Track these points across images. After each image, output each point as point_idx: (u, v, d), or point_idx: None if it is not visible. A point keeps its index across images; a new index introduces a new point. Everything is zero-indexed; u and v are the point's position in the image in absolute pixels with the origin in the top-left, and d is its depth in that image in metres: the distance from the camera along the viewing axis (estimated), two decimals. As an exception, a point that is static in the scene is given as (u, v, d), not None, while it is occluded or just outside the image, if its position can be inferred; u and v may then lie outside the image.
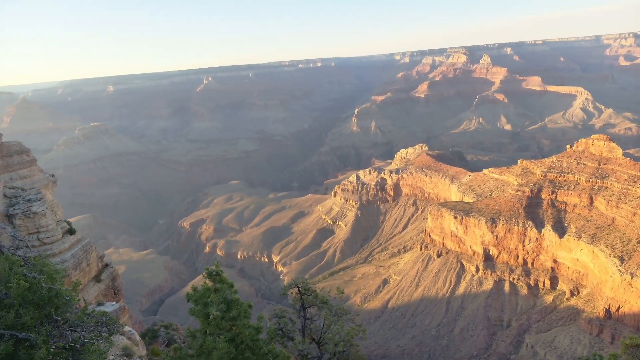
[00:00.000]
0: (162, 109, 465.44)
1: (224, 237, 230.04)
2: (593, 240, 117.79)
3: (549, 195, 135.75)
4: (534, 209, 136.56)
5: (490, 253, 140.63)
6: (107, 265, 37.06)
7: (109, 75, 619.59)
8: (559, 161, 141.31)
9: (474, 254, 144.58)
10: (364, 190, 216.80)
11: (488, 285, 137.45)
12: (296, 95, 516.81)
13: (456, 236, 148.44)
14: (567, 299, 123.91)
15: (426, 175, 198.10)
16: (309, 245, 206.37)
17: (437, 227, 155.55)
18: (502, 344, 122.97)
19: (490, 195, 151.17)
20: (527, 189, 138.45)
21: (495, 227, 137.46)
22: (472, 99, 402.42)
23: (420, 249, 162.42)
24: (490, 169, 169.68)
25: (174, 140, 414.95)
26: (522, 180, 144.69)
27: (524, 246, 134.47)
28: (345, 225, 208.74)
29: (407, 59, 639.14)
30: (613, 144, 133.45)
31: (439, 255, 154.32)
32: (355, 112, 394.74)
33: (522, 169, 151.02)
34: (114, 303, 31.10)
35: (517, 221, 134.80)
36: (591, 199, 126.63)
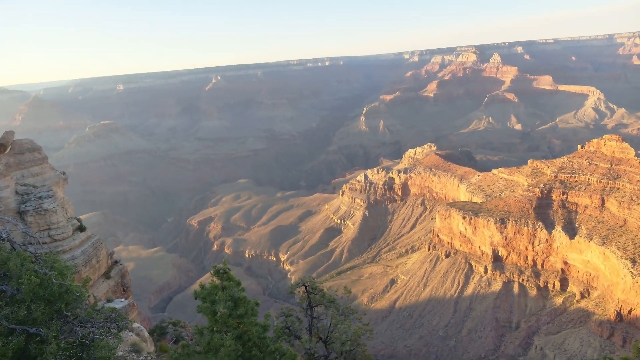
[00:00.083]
0: (171, 108, 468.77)
1: (232, 236, 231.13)
2: (604, 242, 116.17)
3: (559, 196, 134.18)
4: (544, 209, 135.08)
5: (499, 254, 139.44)
6: (116, 262, 37.44)
7: (119, 74, 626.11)
8: (570, 161, 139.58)
9: (482, 255, 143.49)
10: (372, 189, 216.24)
11: (497, 286, 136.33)
12: (304, 94, 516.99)
13: (465, 236, 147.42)
14: (577, 301, 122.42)
15: (435, 175, 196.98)
16: (316, 245, 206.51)
17: (445, 227, 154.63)
18: (510, 346, 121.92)
19: (500, 195, 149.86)
20: (537, 190, 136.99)
21: (505, 227, 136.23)
22: (482, 98, 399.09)
23: (428, 249, 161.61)
24: (499, 169, 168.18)
25: (182, 138, 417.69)
26: (532, 180, 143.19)
27: (533, 247, 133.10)
28: (353, 224, 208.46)
29: (416, 58, 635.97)
30: (625, 145, 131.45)
31: (447, 256, 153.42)
32: (364, 111, 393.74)
33: (533, 169, 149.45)
34: (123, 300, 31.40)
35: (527, 222, 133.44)
36: (603, 200, 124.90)
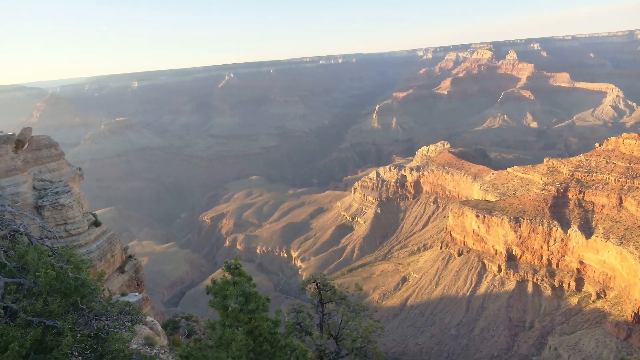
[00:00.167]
0: (185, 105, 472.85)
1: (244, 232, 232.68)
2: (622, 242, 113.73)
3: (576, 194, 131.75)
4: (560, 208, 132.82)
5: (513, 253, 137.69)
6: (130, 257, 37.98)
7: (134, 71, 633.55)
8: (587, 160, 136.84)
9: (496, 254, 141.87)
10: (384, 187, 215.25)
11: (510, 285, 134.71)
12: (316, 92, 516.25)
13: (478, 235, 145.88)
14: (593, 302, 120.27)
15: (448, 173, 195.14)
16: (327, 242, 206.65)
17: (458, 226, 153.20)
18: (524, 346, 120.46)
19: (514, 194, 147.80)
20: (553, 188, 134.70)
21: (519, 226, 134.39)
22: (497, 95, 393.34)
23: (441, 247, 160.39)
24: (514, 167, 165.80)
25: (196, 135, 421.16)
26: (548, 179, 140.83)
27: (548, 246, 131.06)
28: (365, 222, 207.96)
29: (429, 55, 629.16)
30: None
31: (459, 254, 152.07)
32: (376, 108, 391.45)
33: (548, 167, 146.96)
34: (137, 294, 31.85)
35: (542, 221, 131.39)
36: (620, 199, 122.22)
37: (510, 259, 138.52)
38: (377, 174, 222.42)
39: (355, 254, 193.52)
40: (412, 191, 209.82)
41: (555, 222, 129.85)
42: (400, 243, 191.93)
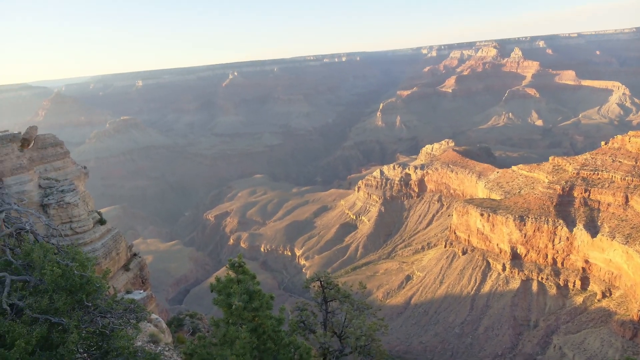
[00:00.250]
0: (189, 104, 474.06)
1: (248, 230, 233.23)
2: (628, 241, 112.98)
3: (581, 193, 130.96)
4: (565, 207, 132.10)
5: (518, 251, 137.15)
6: (135, 255, 38.20)
7: (138, 70, 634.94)
8: (593, 158, 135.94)
9: (500, 252, 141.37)
10: (388, 185, 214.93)
11: (515, 284, 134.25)
12: (320, 90, 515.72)
13: (482, 234, 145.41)
14: (599, 301, 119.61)
15: (452, 172, 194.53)
16: (331, 240, 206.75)
17: (462, 224, 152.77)
18: (528, 344, 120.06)
19: (519, 192, 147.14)
20: (558, 187, 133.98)
21: (524, 225, 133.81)
22: (502, 93, 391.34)
23: (445, 246, 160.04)
24: (519, 165, 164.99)
25: (200, 134, 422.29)
26: (553, 177, 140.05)
27: (553, 245, 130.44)
28: (369, 220, 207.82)
29: (434, 53, 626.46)
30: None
31: (464, 253, 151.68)
32: (380, 106, 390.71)
33: (554, 166, 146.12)
34: (141, 291, 32.04)
35: (547, 219, 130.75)
36: (626, 197, 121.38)
37: (515, 257, 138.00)
38: (381, 173, 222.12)
39: (359, 253, 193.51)
40: (416, 189, 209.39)
41: (561, 221, 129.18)
42: (404, 241, 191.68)
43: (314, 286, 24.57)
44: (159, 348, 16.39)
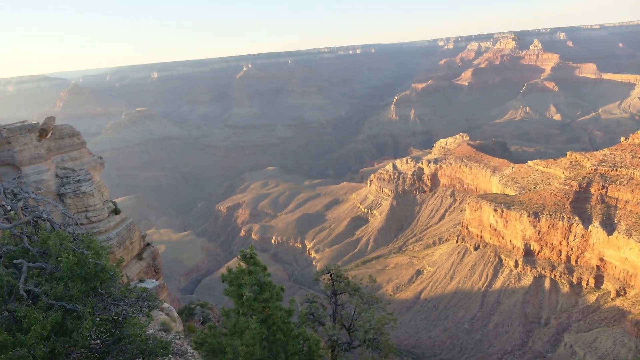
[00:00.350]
0: (203, 95, 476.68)
1: (259, 222, 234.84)
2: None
3: (598, 190, 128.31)
4: (581, 204, 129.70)
5: (531, 248, 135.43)
6: (148, 244, 38.85)
7: (153, 62, 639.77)
8: (612, 154, 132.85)
9: (513, 249, 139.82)
10: (400, 179, 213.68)
11: (527, 281, 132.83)
12: (334, 82, 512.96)
13: (495, 229, 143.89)
14: (612, 299, 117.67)
15: (466, 166, 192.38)
16: (342, 233, 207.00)
17: (475, 220, 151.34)
18: (538, 342, 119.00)
19: (535, 188, 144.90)
20: (575, 183, 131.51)
21: (538, 221, 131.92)
22: (520, 87, 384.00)
23: (457, 241, 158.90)
24: (535, 160, 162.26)
25: (214, 125, 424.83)
26: (570, 173, 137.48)
27: (568, 242, 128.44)
28: (380, 214, 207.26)
29: (450, 45, 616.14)
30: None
31: (476, 248, 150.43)
32: (394, 99, 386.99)
33: (571, 161, 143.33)
34: (154, 280, 32.62)
35: (563, 216, 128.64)
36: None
37: (528, 254, 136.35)
38: (394, 166, 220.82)
39: (369, 246, 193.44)
40: (429, 184, 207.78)
41: (576, 218, 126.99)
42: (416, 236, 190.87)
43: (324, 279, 24.66)
44: (170, 336, 16.70)
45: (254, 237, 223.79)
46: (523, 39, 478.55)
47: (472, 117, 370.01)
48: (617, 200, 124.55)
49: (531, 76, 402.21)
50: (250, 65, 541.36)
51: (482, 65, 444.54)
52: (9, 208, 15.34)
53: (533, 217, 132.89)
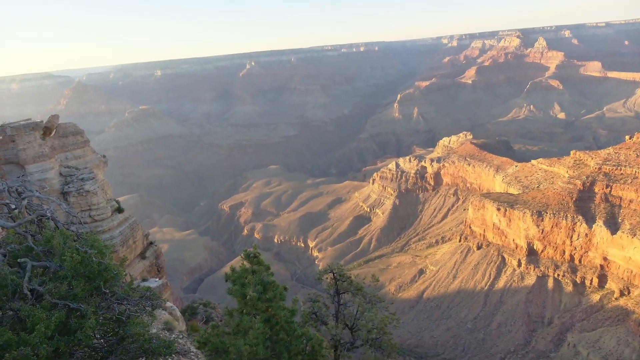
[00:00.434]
0: (206, 93, 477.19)
1: (262, 221, 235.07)
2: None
3: (602, 189, 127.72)
4: (585, 203, 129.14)
5: (535, 247, 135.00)
6: (151, 243, 38.93)
7: (157, 60, 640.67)
8: (616, 153, 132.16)
9: (516, 248, 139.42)
10: (403, 178, 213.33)
11: (530, 280, 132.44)
12: (337, 81, 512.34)
13: (498, 228, 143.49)
14: (616, 299, 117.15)
15: (469, 165, 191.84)
16: (345, 232, 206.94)
17: (478, 219, 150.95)
18: (542, 341, 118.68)
19: (538, 187, 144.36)
20: (579, 182, 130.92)
21: (542, 220, 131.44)
22: (524, 85, 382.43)
23: (460, 240, 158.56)
24: (539, 159, 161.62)
25: (216, 124, 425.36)
26: (573, 172, 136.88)
27: (571, 242, 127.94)
28: (383, 213, 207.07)
29: (454, 43, 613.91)
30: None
31: (478, 248, 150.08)
32: (398, 98, 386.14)
33: (575, 160, 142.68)
34: (157, 279, 32.70)
35: (566, 215, 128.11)
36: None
37: (531, 253, 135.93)
38: (397, 165, 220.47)
39: (372, 245, 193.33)
40: (432, 183, 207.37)
41: (580, 217, 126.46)
42: (418, 235, 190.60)
43: (327, 278, 24.64)
44: (173, 335, 16.71)
45: (256, 235, 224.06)
46: (527, 36, 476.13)
47: (476, 115, 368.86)
48: (621, 199, 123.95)
49: (535, 74, 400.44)
50: (253, 63, 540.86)
51: (486, 63, 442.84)
52: (13, 206, 15.39)
53: (536, 216, 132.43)
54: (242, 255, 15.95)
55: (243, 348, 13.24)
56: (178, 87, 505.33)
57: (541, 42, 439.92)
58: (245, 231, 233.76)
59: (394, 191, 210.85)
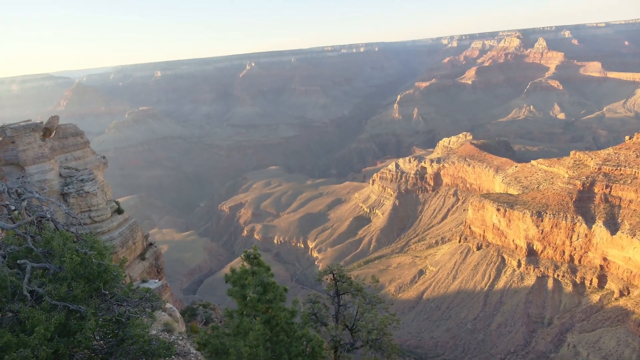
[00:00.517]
0: (206, 94, 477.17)
1: (262, 222, 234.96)
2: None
3: (602, 189, 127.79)
4: (584, 203, 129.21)
5: (534, 248, 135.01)
6: (151, 244, 38.90)
7: (157, 60, 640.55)
8: (615, 153, 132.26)
9: (516, 248, 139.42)
10: (403, 179, 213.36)
11: (530, 281, 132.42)
12: (337, 81, 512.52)
13: (498, 229, 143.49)
14: (616, 299, 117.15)
15: (469, 165, 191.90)
16: (344, 233, 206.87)
17: (478, 219, 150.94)
18: (541, 342, 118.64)
19: (538, 187, 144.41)
20: (578, 182, 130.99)
21: (541, 221, 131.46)
22: (523, 85, 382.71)
23: (459, 241, 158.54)
24: (539, 160, 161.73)
25: (216, 125, 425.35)
26: (573, 172, 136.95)
27: (571, 242, 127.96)
28: (382, 214, 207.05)
29: (454, 44, 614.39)
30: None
31: (478, 248, 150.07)
32: (397, 98, 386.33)
33: (575, 160, 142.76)
34: (156, 281, 32.68)
35: (566, 216, 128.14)
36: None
37: (531, 254, 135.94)
38: (397, 166, 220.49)
39: (372, 246, 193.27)
40: (432, 183, 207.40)
41: (580, 217, 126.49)
42: (418, 236, 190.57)
43: (327, 279, 24.62)
44: (173, 337, 16.70)
45: (256, 236, 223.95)
46: (527, 37, 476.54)
47: (476, 116, 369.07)
48: (621, 199, 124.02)
49: (535, 75, 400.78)
50: (253, 64, 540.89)
51: (486, 64, 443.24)
52: (12, 208, 15.36)
53: (536, 216, 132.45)
54: (242, 256, 15.93)
55: (243, 349, 13.23)
56: (178, 88, 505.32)
57: (541, 43, 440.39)
58: (245, 232, 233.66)
59: (394, 192, 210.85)
